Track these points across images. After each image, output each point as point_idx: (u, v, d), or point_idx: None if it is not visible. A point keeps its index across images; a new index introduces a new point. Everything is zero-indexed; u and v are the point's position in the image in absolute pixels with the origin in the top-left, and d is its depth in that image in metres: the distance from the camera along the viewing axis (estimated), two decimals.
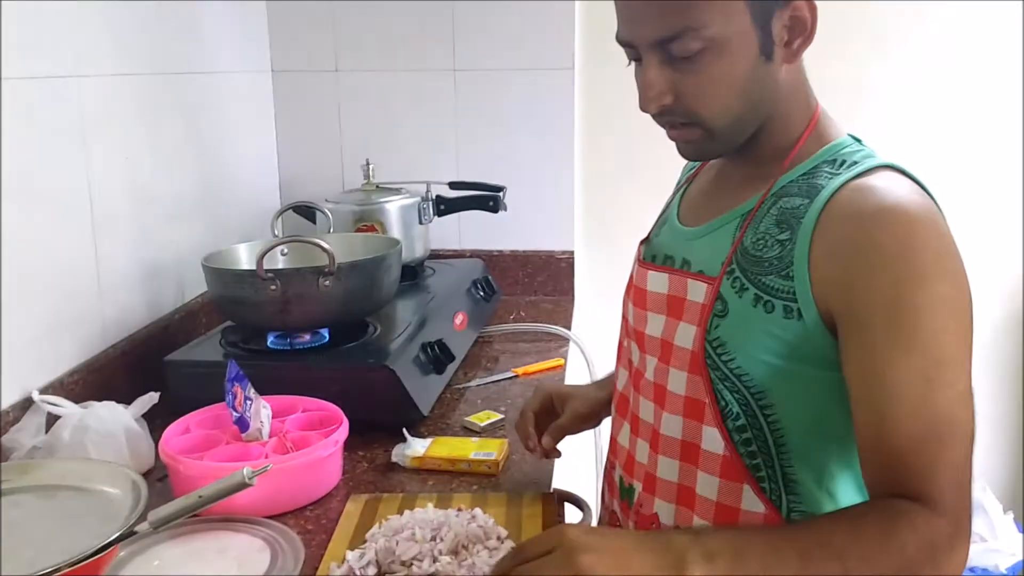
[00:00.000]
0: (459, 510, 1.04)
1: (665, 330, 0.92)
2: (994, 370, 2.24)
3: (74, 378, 1.31)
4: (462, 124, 2.08)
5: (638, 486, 0.97)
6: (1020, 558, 2.07)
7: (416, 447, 1.24)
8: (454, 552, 0.95)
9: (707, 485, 0.89)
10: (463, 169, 2.07)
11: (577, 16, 2.01)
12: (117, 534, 0.83)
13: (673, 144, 0.94)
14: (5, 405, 1.19)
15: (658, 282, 0.95)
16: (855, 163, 0.84)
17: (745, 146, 0.90)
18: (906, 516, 0.75)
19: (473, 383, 1.55)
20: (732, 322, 0.85)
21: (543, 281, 2.12)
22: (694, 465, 0.90)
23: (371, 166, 1.90)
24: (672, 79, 0.84)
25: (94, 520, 0.88)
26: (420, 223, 1.88)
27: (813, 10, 0.84)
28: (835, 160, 0.86)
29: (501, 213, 1.89)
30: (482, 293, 1.88)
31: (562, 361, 1.67)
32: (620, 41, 0.87)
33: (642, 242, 1.04)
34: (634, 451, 0.98)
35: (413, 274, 1.85)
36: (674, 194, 1.06)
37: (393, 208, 1.83)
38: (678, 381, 0.89)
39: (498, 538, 0.99)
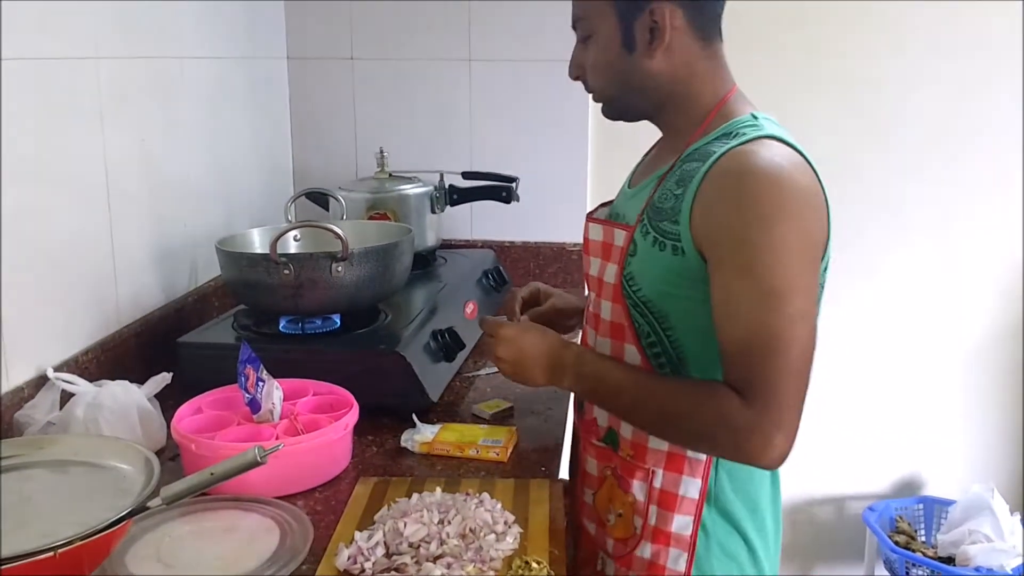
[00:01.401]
0: (467, 495, 1.05)
1: (599, 270, 1.13)
2: (998, 370, 2.23)
3: (88, 357, 1.32)
4: (476, 114, 2.08)
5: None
6: None
7: (425, 432, 1.25)
8: (461, 535, 0.96)
9: None
10: (476, 159, 2.07)
11: None
12: (130, 508, 0.84)
13: None
14: (20, 381, 1.20)
15: (596, 232, 1.16)
16: (744, 135, 1.01)
17: (663, 122, 1.13)
18: (718, 396, 0.97)
19: (482, 372, 1.56)
20: (639, 260, 1.06)
21: (554, 273, 2.12)
22: None
23: (385, 154, 1.90)
24: (582, 57, 1.11)
25: (107, 495, 0.89)
26: (432, 212, 1.89)
27: (663, 19, 1.03)
28: (731, 133, 1.03)
29: (513, 204, 1.90)
30: (493, 283, 1.88)
31: None
32: None
33: (601, 205, 1.24)
34: None
35: (425, 263, 1.86)
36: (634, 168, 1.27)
37: (406, 196, 1.84)
38: (607, 310, 1.11)
39: (505, 523, 1.00)
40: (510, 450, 1.23)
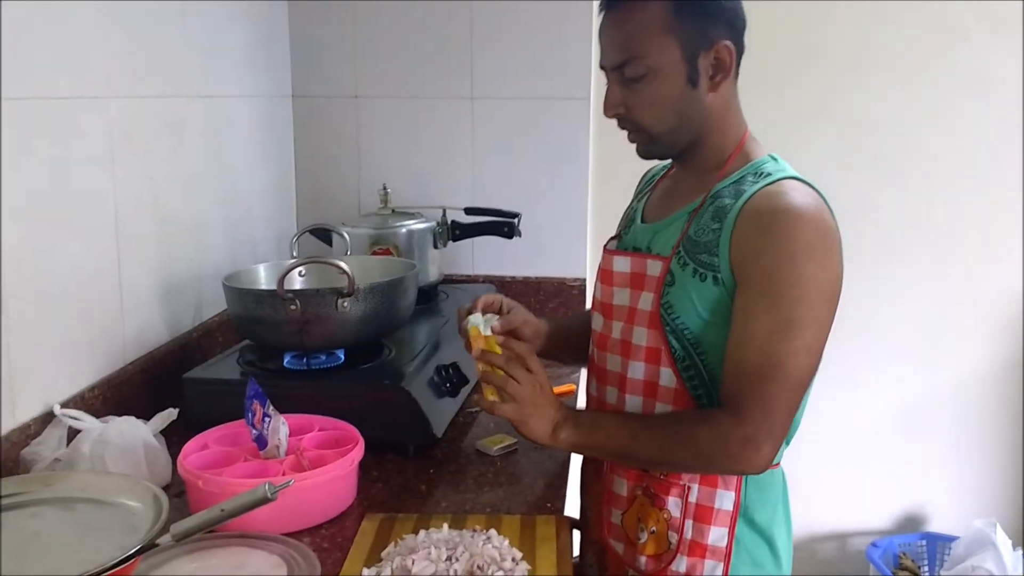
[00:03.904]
0: (474, 531, 1.05)
1: (631, 299, 1.17)
2: (1000, 405, 2.23)
3: (94, 393, 1.33)
4: (478, 151, 2.10)
5: None
6: None
7: (478, 320, 1.17)
8: (469, 573, 0.96)
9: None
10: (479, 195, 2.09)
11: (594, 46, 2.03)
12: (139, 546, 0.84)
13: None
14: (27, 418, 1.20)
15: (622, 264, 1.19)
16: (770, 175, 1.10)
17: (689, 158, 1.17)
18: (710, 419, 1.07)
19: None
20: (677, 289, 1.11)
21: (555, 308, 2.13)
22: (653, 399, 1.15)
23: (388, 190, 1.92)
24: (625, 95, 1.12)
25: (115, 532, 0.89)
26: (435, 247, 1.90)
27: (731, 53, 1.10)
28: (758, 172, 1.11)
29: (514, 239, 1.91)
30: None
31: (574, 387, 1.68)
32: (600, 66, 1.15)
33: (611, 239, 1.28)
34: (603, 397, 1.23)
35: (427, 298, 1.87)
36: (635, 201, 1.31)
37: (409, 232, 1.85)
38: (641, 336, 1.15)
39: (512, 560, 1.00)
40: None
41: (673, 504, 1.14)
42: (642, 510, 1.17)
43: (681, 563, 1.14)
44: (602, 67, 1.14)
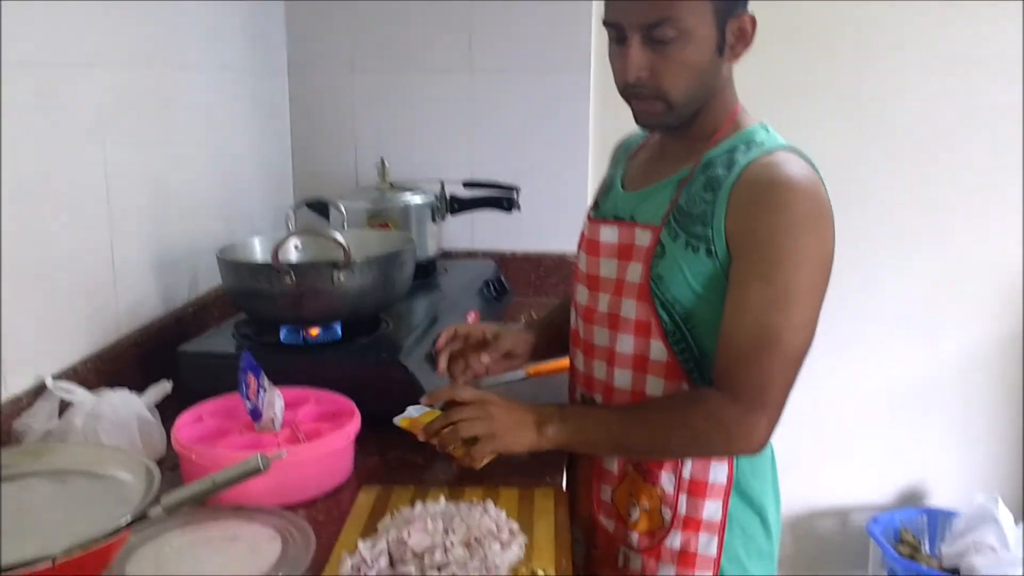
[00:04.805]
0: (471, 503, 1.04)
1: (618, 270, 1.14)
2: (1001, 379, 2.22)
3: (87, 366, 1.31)
4: (477, 124, 2.08)
5: (599, 397, 1.19)
6: None
7: (410, 412, 1.20)
8: (466, 544, 0.95)
9: (655, 386, 1.13)
10: (477, 169, 2.07)
11: (594, 19, 2.01)
12: (129, 517, 0.83)
13: None
14: (19, 390, 1.19)
15: (609, 233, 1.16)
16: (762, 144, 1.08)
17: (684, 127, 1.12)
18: (703, 400, 1.05)
19: (484, 382, 1.54)
20: (667, 261, 1.08)
21: (555, 283, 2.12)
22: (643, 372, 1.13)
23: (386, 164, 1.90)
24: (650, 58, 1.05)
25: (106, 504, 0.88)
26: (433, 221, 1.88)
27: (754, 24, 1.07)
28: (749, 142, 1.09)
29: (514, 214, 1.89)
30: (494, 293, 1.87)
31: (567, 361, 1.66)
32: (608, 23, 1.08)
33: (591, 209, 1.24)
34: (591, 372, 1.20)
35: (425, 272, 1.85)
36: (613, 170, 1.27)
37: (407, 206, 1.83)
38: (630, 308, 1.12)
39: (510, 532, 0.98)
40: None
41: (666, 479, 1.13)
42: (634, 486, 1.15)
43: (675, 538, 1.13)
44: (613, 24, 1.06)
